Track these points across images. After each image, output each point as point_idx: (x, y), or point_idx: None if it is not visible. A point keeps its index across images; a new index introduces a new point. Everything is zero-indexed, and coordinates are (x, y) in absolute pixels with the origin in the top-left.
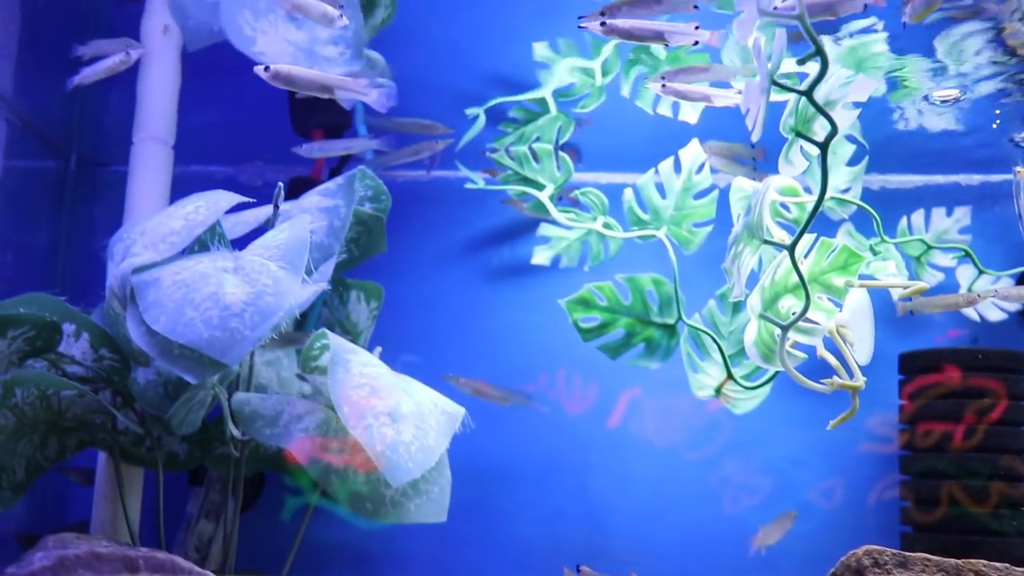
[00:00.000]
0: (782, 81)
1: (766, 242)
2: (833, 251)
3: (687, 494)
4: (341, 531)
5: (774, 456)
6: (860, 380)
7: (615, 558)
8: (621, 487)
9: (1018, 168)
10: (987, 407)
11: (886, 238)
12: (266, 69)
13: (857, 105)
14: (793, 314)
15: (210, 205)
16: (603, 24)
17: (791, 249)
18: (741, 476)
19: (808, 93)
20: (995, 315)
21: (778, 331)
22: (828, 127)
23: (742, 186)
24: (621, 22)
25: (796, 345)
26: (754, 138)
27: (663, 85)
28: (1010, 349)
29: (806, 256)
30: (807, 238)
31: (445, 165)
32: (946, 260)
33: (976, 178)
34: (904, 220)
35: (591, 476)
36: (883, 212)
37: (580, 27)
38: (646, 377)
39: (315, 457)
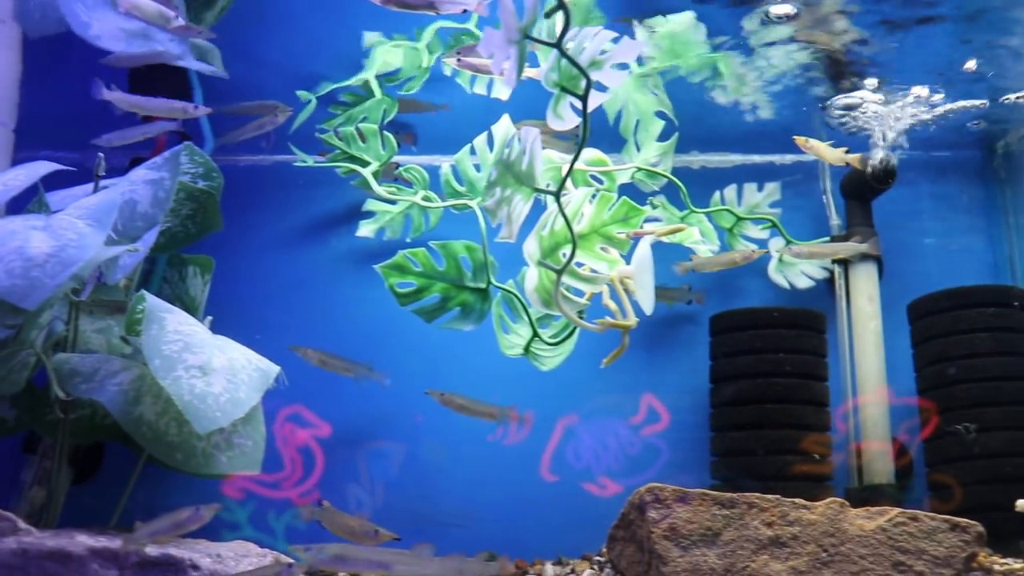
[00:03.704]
0: (533, 36)
1: (536, 190)
2: (614, 204)
3: (513, 457)
4: (176, 496)
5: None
6: (632, 320)
7: (442, 522)
8: (450, 453)
9: (798, 137)
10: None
11: (695, 209)
12: None
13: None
14: (577, 264)
15: (29, 172)
16: None
17: (557, 196)
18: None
19: (558, 45)
20: (803, 283)
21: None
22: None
23: (551, 157)
24: None
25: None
26: (505, 85)
27: (458, 59)
28: (803, 308)
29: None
30: (588, 191)
31: (283, 151)
32: (760, 233)
33: (789, 157)
34: (717, 194)
35: (421, 443)
36: (704, 189)
37: None
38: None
39: (127, 409)
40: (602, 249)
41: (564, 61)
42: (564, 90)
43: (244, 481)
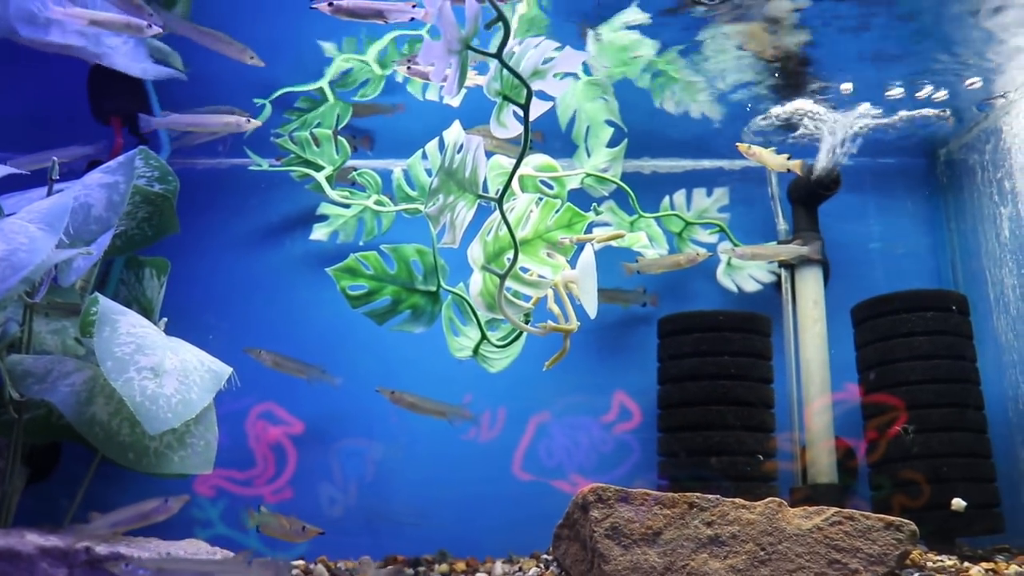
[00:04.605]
0: (475, 47)
1: (480, 196)
2: (558, 210)
3: (470, 455)
4: (132, 495)
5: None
6: (574, 324)
7: (397, 519)
8: (405, 452)
9: (740, 144)
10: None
11: (643, 214)
12: None
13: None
14: (521, 269)
15: None
16: (330, 5)
17: (500, 202)
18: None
19: (499, 56)
20: (750, 286)
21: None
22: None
23: (500, 163)
24: (346, 3)
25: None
26: (447, 94)
27: (408, 68)
28: (747, 311)
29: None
30: (533, 197)
31: (240, 155)
32: (709, 237)
33: (739, 163)
34: (667, 199)
35: (377, 440)
36: (655, 194)
37: (311, 8)
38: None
39: (80, 409)
40: (547, 254)
41: (506, 73)
42: (507, 99)
43: (216, 478)
